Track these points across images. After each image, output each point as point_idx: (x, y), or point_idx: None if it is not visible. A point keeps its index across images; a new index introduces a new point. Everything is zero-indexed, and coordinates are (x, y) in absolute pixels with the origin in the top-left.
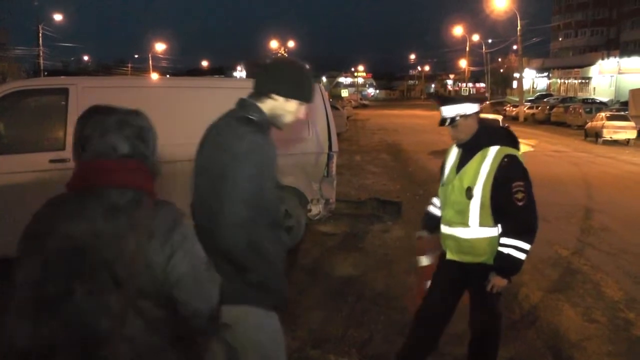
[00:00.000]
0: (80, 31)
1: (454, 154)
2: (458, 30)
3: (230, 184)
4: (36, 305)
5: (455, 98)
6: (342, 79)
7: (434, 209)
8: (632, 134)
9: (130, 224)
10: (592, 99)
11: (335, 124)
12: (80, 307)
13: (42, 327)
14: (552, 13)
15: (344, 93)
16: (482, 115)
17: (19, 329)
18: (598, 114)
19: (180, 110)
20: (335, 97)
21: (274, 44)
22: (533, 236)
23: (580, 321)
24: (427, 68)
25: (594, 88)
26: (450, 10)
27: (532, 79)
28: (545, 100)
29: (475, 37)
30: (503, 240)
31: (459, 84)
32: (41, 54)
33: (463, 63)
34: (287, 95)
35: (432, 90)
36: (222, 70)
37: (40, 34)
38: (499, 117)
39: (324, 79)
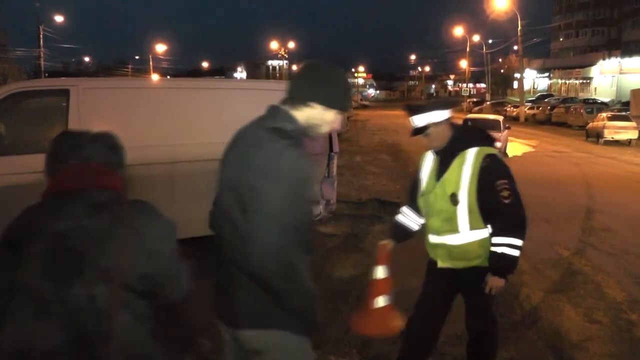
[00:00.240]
0: (80, 32)
1: (429, 161)
2: (458, 31)
3: (264, 206)
4: (28, 304)
5: (425, 106)
6: None
7: (404, 219)
8: (633, 135)
9: (114, 219)
10: (593, 99)
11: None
12: (71, 303)
13: (38, 327)
14: (552, 13)
15: None
16: (484, 116)
17: (16, 330)
18: (599, 115)
19: (181, 111)
20: None
21: (274, 45)
22: (524, 232)
23: (582, 322)
24: (427, 69)
25: (595, 88)
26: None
27: (533, 80)
28: (546, 100)
29: (476, 38)
30: (495, 239)
31: (460, 84)
32: (42, 55)
33: (463, 63)
34: (328, 104)
35: (432, 90)
36: (222, 71)
37: (41, 35)
38: (500, 118)
39: None
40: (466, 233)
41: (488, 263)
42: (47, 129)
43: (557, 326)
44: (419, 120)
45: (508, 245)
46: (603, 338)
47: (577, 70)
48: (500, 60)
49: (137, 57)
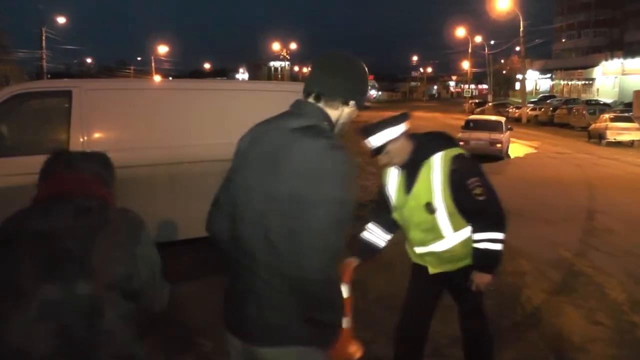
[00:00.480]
0: (82, 34)
1: (393, 175)
2: (460, 32)
3: (313, 211)
4: (14, 302)
5: (378, 125)
6: None
7: (369, 236)
8: (636, 136)
9: (99, 221)
10: (596, 100)
11: None
12: (54, 300)
13: (26, 325)
14: (554, 14)
15: None
16: (486, 117)
17: (11, 330)
18: (601, 116)
19: (183, 112)
20: None
21: (276, 46)
22: (504, 225)
23: (584, 323)
24: (429, 69)
25: (598, 89)
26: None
27: (535, 80)
28: (548, 101)
29: (478, 39)
30: (476, 236)
31: (462, 85)
32: (44, 56)
33: (465, 64)
34: (358, 103)
35: (434, 91)
36: (224, 72)
37: (44, 37)
38: (502, 119)
39: None
40: (451, 236)
41: (472, 261)
42: (50, 131)
43: (559, 328)
44: (375, 140)
45: (489, 240)
46: (605, 340)
47: (579, 71)
48: (502, 61)
49: (139, 59)
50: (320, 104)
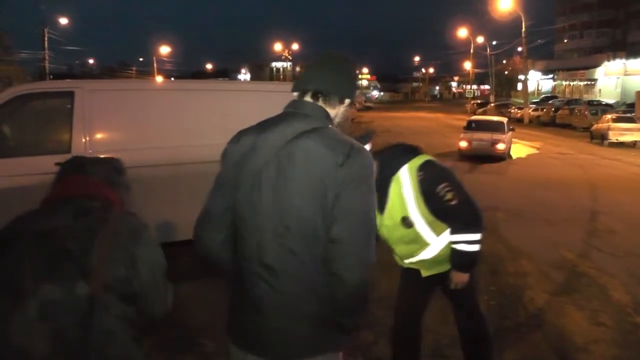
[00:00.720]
0: (84, 34)
1: None
2: (462, 32)
3: (349, 219)
4: (14, 302)
5: None
6: None
7: None
8: (638, 136)
9: (99, 222)
10: (598, 100)
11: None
12: (51, 299)
13: (24, 324)
14: (556, 14)
15: None
16: (488, 118)
17: (8, 328)
18: (604, 116)
19: (186, 113)
20: None
21: (278, 47)
22: (478, 225)
23: (587, 324)
24: (431, 70)
25: (600, 90)
26: (455, 12)
27: (537, 81)
28: (550, 102)
29: (480, 39)
30: (452, 238)
31: (464, 85)
32: (46, 57)
33: (467, 65)
34: (353, 101)
35: (436, 92)
36: (226, 72)
37: (46, 38)
38: (504, 119)
39: None
40: (436, 241)
41: (449, 260)
42: (52, 131)
43: (562, 329)
44: None
45: (465, 242)
46: (608, 341)
47: (581, 71)
48: (504, 61)
49: (141, 59)
50: (319, 102)
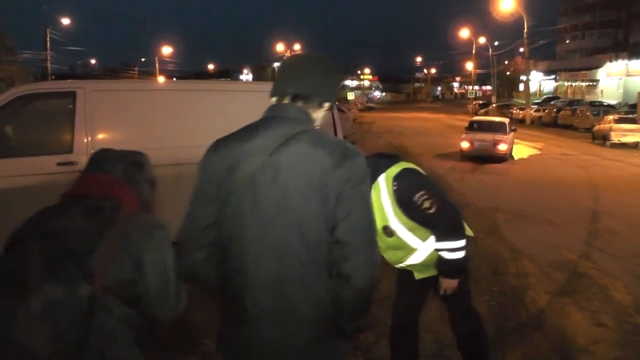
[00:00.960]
0: (87, 35)
1: None
2: (464, 33)
3: (355, 220)
4: (19, 301)
5: None
6: (348, 82)
7: None
8: None
9: (108, 223)
10: (600, 101)
11: (342, 126)
12: (53, 299)
13: (29, 323)
14: (558, 15)
15: (350, 96)
16: (490, 119)
17: (13, 327)
18: (606, 117)
19: (188, 113)
20: (341, 99)
21: (280, 47)
22: (460, 231)
23: (588, 325)
24: (433, 70)
25: (602, 90)
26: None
27: (539, 82)
28: (552, 102)
29: (482, 40)
30: (436, 245)
31: (465, 86)
32: (49, 57)
33: (469, 65)
34: (333, 104)
35: (438, 92)
36: (228, 73)
37: (48, 38)
38: (506, 120)
39: None
40: (423, 246)
41: (435, 267)
42: (54, 131)
43: (563, 329)
44: None
45: (448, 250)
46: (609, 342)
47: (583, 72)
48: (506, 62)
49: (143, 60)
50: (305, 106)
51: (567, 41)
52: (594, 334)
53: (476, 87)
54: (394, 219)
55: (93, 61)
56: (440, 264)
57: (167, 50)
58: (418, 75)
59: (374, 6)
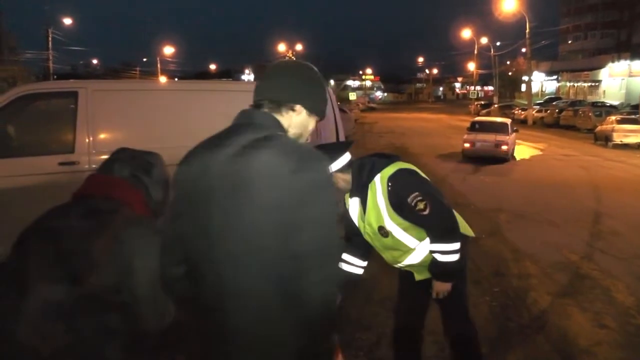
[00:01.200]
0: (88, 35)
1: (353, 204)
2: (466, 33)
3: (312, 232)
4: (18, 300)
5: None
6: (349, 82)
7: (346, 267)
8: None
9: (101, 225)
10: (602, 102)
11: (343, 127)
12: (44, 298)
13: (27, 322)
14: (560, 15)
15: (352, 96)
16: (492, 119)
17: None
18: (608, 118)
19: (189, 113)
20: (343, 100)
21: (282, 47)
22: (453, 234)
23: (590, 326)
24: (435, 71)
25: (604, 91)
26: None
27: (541, 82)
28: (554, 103)
29: (484, 40)
30: (430, 247)
31: (467, 86)
32: (50, 57)
33: (471, 66)
34: (312, 109)
35: (439, 93)
36: (230, 73)
37: (50, 38)
38: (508, 121)
39: (331, 81)
40: (420, 246)
41: (428, 269)
42: (56, 131)
43: (565, 330)
44: None
45: (441, 252)
46: (611, 343)
47: (585, 72)
48: (508, 62)
49: (144, 60)
50: (265, 110)
51: (569, 42)
52: (596, 335)
53: (478, 88)
54: (389, 220)
55: (95, 61)
56: (432, 266)
57: (168, 50)
58: (420, 75)
59: (375, 6)
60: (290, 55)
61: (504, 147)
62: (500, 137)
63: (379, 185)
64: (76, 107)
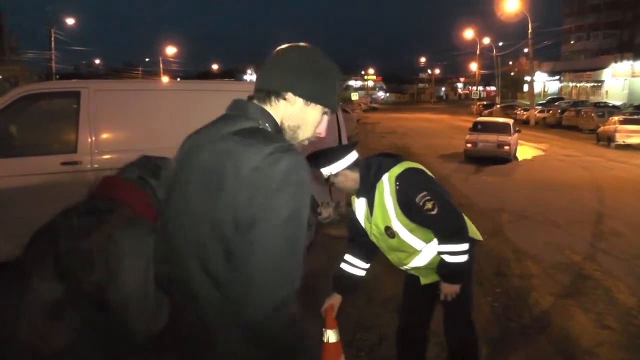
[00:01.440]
0: (91, 35)
1: (360, 204)
2: (468, 33)
3: (259, 235)
4: (19, 293)
5: (326, 156)
6: (352, 82)
7: (349, 268)
8: None
9: (95, 223)
10: (605, 102)
11: (345, 127)
12: (37, 296)
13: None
14: (563, 15)
15: (354, 96)
16: (494, 119)
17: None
18: (610, 118)
19: (191, 113)
20: (345, 100)
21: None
22: (462, 235)
23: (592, 327)
24: (437, 71)
25: (607, 91)
26: (461, 13)
27: (543, 82)
28: (556, 103)
29: (486, 40)
30: (438, 248)
31: (470, 87)
32: (53, 57)
33: (473, 66)
34: (310, 97)
35: (442, 93)
36: (232, 73)
37: (52, 38)
38: (510, 121)
39: None
40: (426, 249)
41: (436, 271)
42: (58, 131)
43: (567, 331)
44: (326, 171)
45: (449, 253)
46: (614, 344)
47: (588, 73)
48: (510, 63)
49: (147, 60)
50: (258, 101)
51: (572, 42)
52: (598, 336)
53: (480, 88)
54: (395, 220)
55: (97, 61)
56: (441, 267)
57: (171, 50)
58: (422, 75)
59: (376, 6)
60: None
61: (506, 148)
62: (503, 138)
63: (386, 184)
64: (78, 107)
